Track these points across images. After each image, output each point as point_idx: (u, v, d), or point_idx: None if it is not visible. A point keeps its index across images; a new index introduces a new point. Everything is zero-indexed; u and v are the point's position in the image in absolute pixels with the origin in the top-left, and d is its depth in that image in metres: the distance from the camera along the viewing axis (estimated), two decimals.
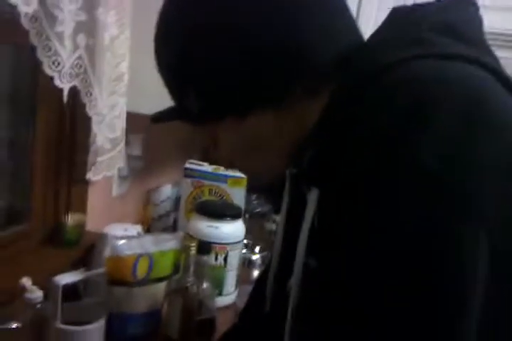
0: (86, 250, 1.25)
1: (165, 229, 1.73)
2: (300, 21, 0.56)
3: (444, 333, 0.47)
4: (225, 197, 1.57)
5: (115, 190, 1.46)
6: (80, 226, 1.24)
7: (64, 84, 0.99)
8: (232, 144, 0.63)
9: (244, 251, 1.59)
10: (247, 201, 1.76)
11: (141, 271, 1.09)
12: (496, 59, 0.58)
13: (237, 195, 1.56)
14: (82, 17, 1.06)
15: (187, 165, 1.60)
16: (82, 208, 1.28)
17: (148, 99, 1.26)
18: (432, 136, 0.46)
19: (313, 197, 0.58)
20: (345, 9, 0.61)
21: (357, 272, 0.49)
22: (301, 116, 0.58)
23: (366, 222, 0.48)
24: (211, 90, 0.59)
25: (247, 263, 1.61)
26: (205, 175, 1.58)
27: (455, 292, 0.46)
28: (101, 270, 1.09)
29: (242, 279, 1.38)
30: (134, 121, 1.35)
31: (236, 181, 1.56)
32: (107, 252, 1.06)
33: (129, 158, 1.49)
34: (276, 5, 0.56)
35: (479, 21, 0.60)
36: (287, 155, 0.62)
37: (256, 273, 1.59)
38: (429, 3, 0.59)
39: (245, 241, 1.61)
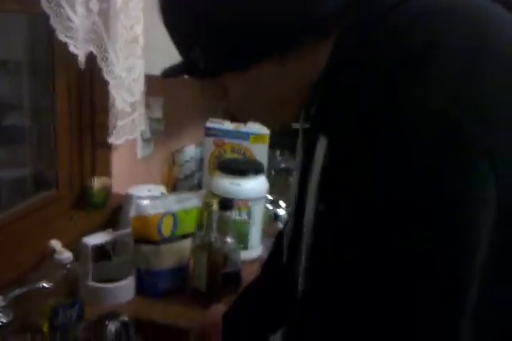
0: (113, 212, 1.29)
1: (191, 189, 1.77)
2: None
3: (450, 276, 0.47)
4: (247, 154, 1.59)
5: (139, 153, 1.50)
6: (106, 189, 1.29)
7: (79, 50, 1.01)
8: (240, 94, 0.63)
9: (269, 206, 1.62)
10: (271, 157, 1.78)
11: (166, 229, 1.13)
12: None
13: (260, 152, 1.58)
14: None
15: (208, 125, 1.62)
16: (106, 171, 1.32)
17: (166, 61, 1.26)
18: (438, 76, 0.45)
19: (322, 145, 0.58)
20: None
21: (365, 217, 0.48)
22: (311, 63, 0.58)
23: (373, 165, 0.47)
24: (215, 43, 0.59)
25: (273, 218, 1.65)
26: (226, 133, 1.59)
27: (464, 235, 0.46)
28: (128, 230, 1.14)
29: (268, 233, 1.41)
30: (153, 83, 1.36)
31: (258, 138, 1.57)
32: (132, 212, 1.10)
33: (151, 120, 1.52)
34: None
35: None
36: (298, 105, 0.62)
37: (281, 226, 1.62)
38: None
39: (270, 197, 1.65)
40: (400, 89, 0.46)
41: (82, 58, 1.03)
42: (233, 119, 1.60)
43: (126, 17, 1.17)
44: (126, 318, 0.87)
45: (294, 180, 0.75)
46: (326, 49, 0.56)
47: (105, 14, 1.10)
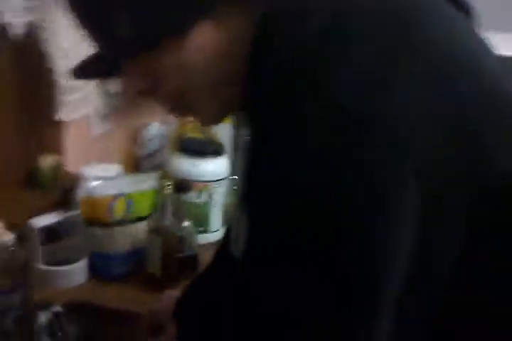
0: (65, 192, 1.23)
1: (153, 168, 1.71)
2: None
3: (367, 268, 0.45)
4: (210, 133, 1.53)
5: (95, 129, 1.43)
6: (56, 168, 1.22)
7: (16, 19, 0.93)
8: (176, 75, 0.56)
9: (235, 187, 1.58)
10: (237, 136, 1.72)
11: (119, 211, 1.09)
12: None
13: (223, 131, 1.52)
14: None
15: None
16: (58, 149, 1.26)
17: None
18: (343, 72, 0.43)
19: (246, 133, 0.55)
20: None
21: (271, 202, 0.47)
22: (239, 33, 0.54)
23: (276, 154, 0.46)
24: (145, 8, 0.53)
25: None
26: None
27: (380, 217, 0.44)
28: (77, 211, 1.08)
29: (231, 215, 1.37)
30: None
31: None
32: (81, 193, 1.05)
33: (108, 95, 1.45)
34: None
35: None
36: (239, 82, 0.56)
37: None
38: None
39: (235, 177, 1.60)
40: (315, 72, 0.44)
41: (20, 27, 0.96)
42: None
43: None
44: (59, 308, 0.82)
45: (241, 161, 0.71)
46: (252, 18, 0.52)
47: None
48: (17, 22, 0.94)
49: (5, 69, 1.15)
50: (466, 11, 0.54)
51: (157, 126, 1.78)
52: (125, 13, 0.53)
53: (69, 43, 1.12)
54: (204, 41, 0.54)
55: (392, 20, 0.47)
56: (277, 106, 0.45)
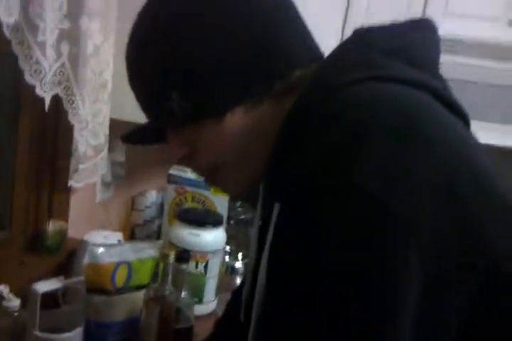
0: (67, 257, 1.25)
1: (149, 236, 1.73)
2: (278, 23, 0.61)
3: None
4: (207, 204, 1.57)
5: (99, 197, 1.47)
6: (61, 233, 1.25)
7: (45, 93, 1.00)
8: (211, 146, 0.63)
9: (227, 258, 1.60)
10: (231, 207, 1.76)
11: (120, 279, 1.10)
12: (443, 81, 0.60)
13: (220, 202, 1.57)
14: (66, 25, 1.07)
15: (171, 171, 1.61)
16: (63, 215, 1.29)
17: (131, 106, 1.26)
18: (365, 161, 0.48)
19: (275, 211, 0.60)
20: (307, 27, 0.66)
21: (292, 290, 0.50)
22: (272, 117, 0.61)
23: (302, 241, 0.49)
24: (199, 88, 0.61)
25: (229, 271, 1.62)
26: (188, 181, 1.58)
27: (386, 314, 0.47)
28: (80, 278, 1.09)
29: (224, 287, 1.38)
30: (117, 127, 1.35)
31: (219, 189, 1.56)
32: (86, 260, 1.06)
33: (113, 164, 1.50)
34: (254, 5, 0.61)
35: (434, 44, 0.63)
36: (263, 161, 0.63)
37: (239, 280, 1.59)
38: (384, 27, 0.62)
39: (228, 248, 1.62)
40: (338, 167, 0.49)
41: (47, 101, 1.02)
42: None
43: (97, 62, 1.17)
44: None
45: (252, 241, 0.74)
46: (285, 107, 0.59)
47: (75, 58, 1.10)
48: (45, 95, 1.00)
49: (25, 134, 1.20)
50: (462, 116, 0.60)
51: (155, 194, 1.81)
52: (176, 92, 0.61)
53: (89, 116, 1.18)
54: (238, 123, 0.61)
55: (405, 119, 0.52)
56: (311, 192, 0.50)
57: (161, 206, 1.75)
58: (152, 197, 1.81)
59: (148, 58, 0.64)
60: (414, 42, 0.60)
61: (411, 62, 0.58)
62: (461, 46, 1.92)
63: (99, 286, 1.08)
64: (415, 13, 1.92)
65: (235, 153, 0.63)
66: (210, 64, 0.60)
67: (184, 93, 0.61)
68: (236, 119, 0.61)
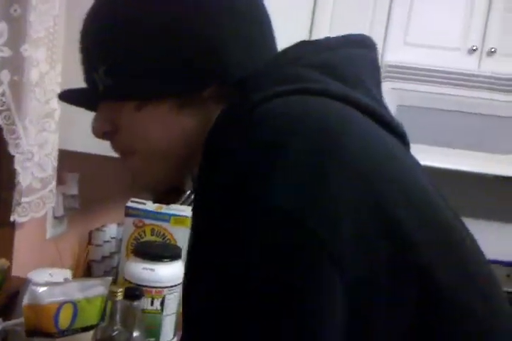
0: (10, 297, 1.17)
1: (108, 272, 1.65)
2: (225, 26, 0.60)
3: None
4: (167, 237, 1.51)
5: (49, 232, 1.40)
6: (2, 271, 1.17)
7: None
8: (131, 132, 0.62)
9: None
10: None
11: (64, 320, 1.02)
12: (378, 101, 0.58)
13: (181, 235, 1.50)
14: (6, 53, 1.03)
15: (128, 204, 1.55)
16: (7, 252, 1.21)
17: (82, 136, 1.21)
18: (282, 177, 0.46)
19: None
20: (270, 31, 0.65)
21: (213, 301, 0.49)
22: (200, 120, 0.60)
23: (219, 261, 0.48)
24: (122, 69, 0.61)
25: None
26: (147, 213, 1.52)
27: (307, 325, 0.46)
28: (19, 319, 1.02)
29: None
30: (69, 159, 1.30)
31: (179, 220, 1.50)
32: (25, 300, 0.99)
33: (65, 197, 1.43)
34: (201, 10, 0.59)
35: (370, 62, 0.61)
36: (184, 160, 0.63)
37: None
38: (319, 41, 0.61)
39: None
40: (246, 186, 0.47)
41: None
42: (156, 200, 1.54)
43: (42, 91, 1.13)
44: None
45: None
46: (213, 115, 0.58)
47: (17, 86, 1.05)
48: None
49: None
50: (399, 135, 0.58)
51: (115, 228, 1.74)
52: (103, 68, 0.61)
53: (35, 146, 1.12)
54: (162, 115, 0.60)
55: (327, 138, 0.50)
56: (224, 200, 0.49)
57: (121, 240, 1.68)
58: (112, 231, 1.74)
59: (93, 29, 0.65)
60: (346, 58, 0.59)
61: (341, 78, 0.56)
62: (421, 74, 1.94)
63: (40, 329, 1.00)
64: (376, 40, 1.94)
65: (152, 144, 0.62)
66: (141, 50, 0.60)
67: (108, 69, 0.61)
68: (158, 112, 0.60)
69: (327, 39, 0.61)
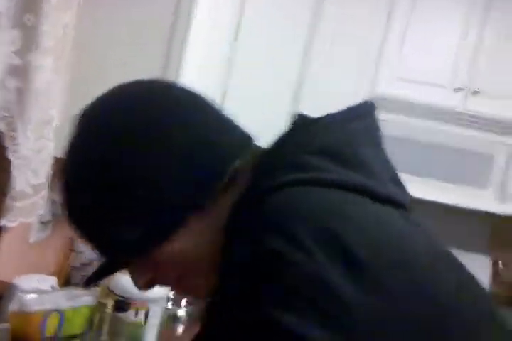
0: None
1: (83, 280, 1.64)
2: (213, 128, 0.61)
3: None
4: None
5: (33, 236, 1.39)
6: None
7: None
8: (170, 266, 0.62)
9: (169, 305, 1.53)
10: None
11: (50, 328, 1.03)
12: (377, 178, 0.59)
13: None
14: (16, 60, 1.04)
15: None
16: None
17: None
18: (277, 288, 0.48)
19: None
20: (220, 115, 0.65)
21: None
22: (217, 219, 0.60)
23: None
24: (147, 216, 0.59)
25: (172, 319, 1.55)
26: None
27: None
28: (5, 325, 1.01)
29: (165, 336, 1.32)
30: (59, 166, 1.30)
31: None
32: (13, 307, 0.99)
33: (53, 203, 1.43)
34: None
35: (373, 131, 0.63)
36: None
37: (181, 328, 1.52)
38: (320, 120, 0.62)
39: (171, 295, 1.55)
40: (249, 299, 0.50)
41: None
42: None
43: (46, 99, 1.14)
44: None
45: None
46: (226, 204, 0.60)
47: (22, 94, 1.06)
48: None
49: None
50: (400, 205, 0.59)
51: None
52: (129, 225, 0.59)
53: (32, 153, 1.13)
54: (185, 239, 0.60)
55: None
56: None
57: None
58: None
59: (84, 204, 0.64)
60: (349, 136, 0.60)
61: (343, 162, 0.58)
62: (410, 108, 2.01)
63: (25, 337, 1.01)
64: (367, 76, 2.01)
65: (191, 263, 0.62)
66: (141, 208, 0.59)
67: (134, 222, 0.59)
68: (183, 236, 0.60)
69: (330, 115, 0.62)
